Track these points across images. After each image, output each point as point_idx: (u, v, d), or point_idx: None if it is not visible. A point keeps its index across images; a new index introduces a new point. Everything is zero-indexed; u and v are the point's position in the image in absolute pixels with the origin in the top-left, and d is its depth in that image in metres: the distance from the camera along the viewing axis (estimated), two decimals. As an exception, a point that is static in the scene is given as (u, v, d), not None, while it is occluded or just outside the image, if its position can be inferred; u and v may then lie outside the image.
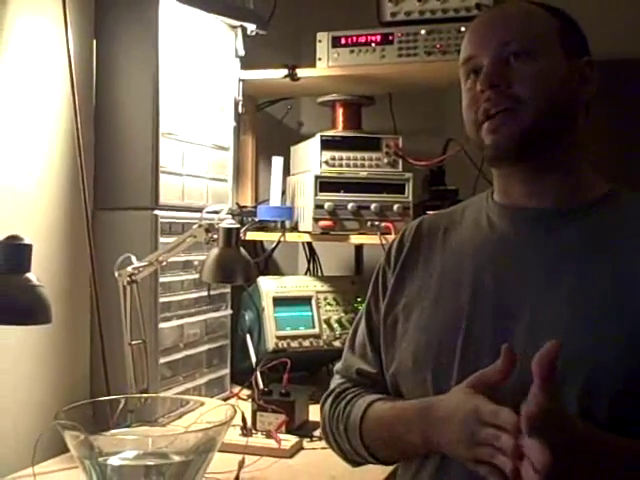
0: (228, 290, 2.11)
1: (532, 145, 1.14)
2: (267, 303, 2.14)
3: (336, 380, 1.36)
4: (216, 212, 1.73)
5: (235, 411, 1.27)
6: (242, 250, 1.64)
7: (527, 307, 1.11)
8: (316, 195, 2.09)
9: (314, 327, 2.16)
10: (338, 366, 1.38)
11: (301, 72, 2.19)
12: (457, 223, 1.28)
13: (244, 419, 1.68)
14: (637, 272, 1.09)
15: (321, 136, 2.15)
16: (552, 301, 1.10)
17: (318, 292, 2.22)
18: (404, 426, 1.14)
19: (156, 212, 1.79)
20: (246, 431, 1.68)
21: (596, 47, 1.25)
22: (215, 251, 1.61)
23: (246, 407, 1.76)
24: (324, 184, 2.10)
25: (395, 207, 2.10)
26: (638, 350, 1.04)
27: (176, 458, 1.19)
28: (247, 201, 2.44)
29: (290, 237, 2.20)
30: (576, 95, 1.18)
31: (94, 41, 1.81)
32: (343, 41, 2.16)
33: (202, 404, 1.40)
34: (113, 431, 1.30)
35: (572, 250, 1.14)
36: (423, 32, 2.07)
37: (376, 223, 2.09)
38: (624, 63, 2.47)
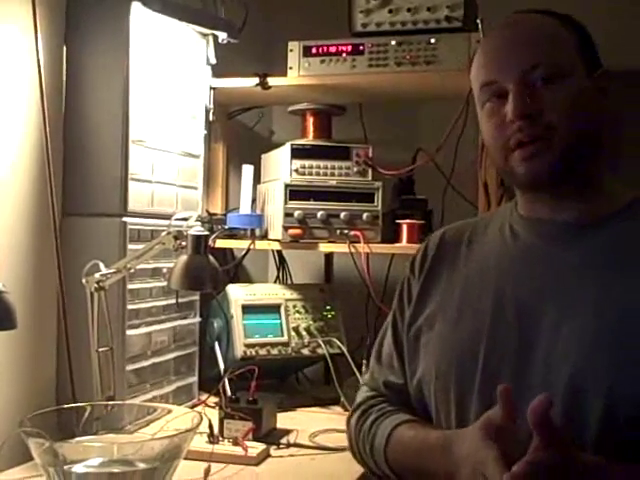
0: (197, 297, 2.10)
1: (565, 172, 1.13)
2: (236, 311, 2.13)
3: (363, 393, 1.36)
4: (185, 219, 1.73)
5: (201, 418, 1.27)
6: (211, 257, 1.64)
7: (548, 324, 1.11)
8: (286, 203, 2.10)
9: (283, 335, 2.16)
10: (365, 377, 1.39)
11: (272, 81, 2.20)
12: (481, 234, 1.28)
13: (211, 426, 1.68)
14: None
15: (291, 145, 2.16)
16: (573, 316, 1.10)
17: (287, 300, 2.22)
18: (428, 458, 1.14)
19: (125, 219, 1.79)
20: (213, 438, 1.67)
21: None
22: (183, 258, 1.61)
23: (213, 415, 1.76)
24: (294, 192, 2.11)
25: (364, 216, 2.11)
26: None
27: (141, 465, 1.19)
28: (217, 209, 2.44)
29: (260, 245, 2.20)
30: (600, 111, 1.16)
31: (64, 48, 1.81)
32: (314, 51, 2.17)
33: (169, 412, 1.40)
34: (78, 439, 1.29)
35: (595, 263, 1.13)
36: (393, 43, 2.09)
37: (345, 231, 2.11)
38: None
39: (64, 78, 1.81)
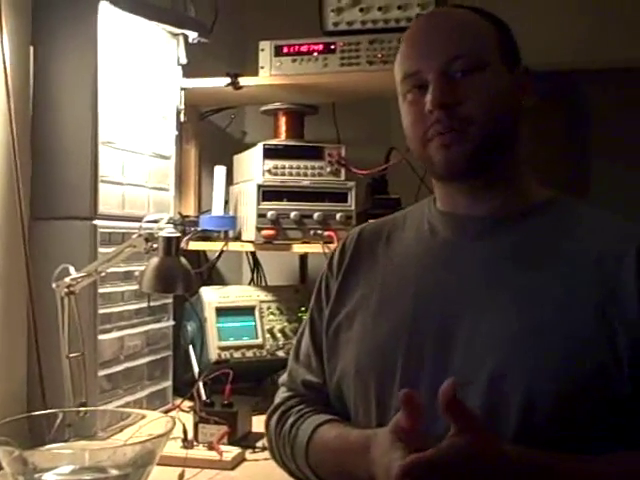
0: (170, 301, 2.08)
1: (482, 162, 1.13)
2: (209, 313, 2.11)
3: (281, 393, 1.34)
4: (156, 221, 1.71)
5: (174, 423, 1.25)
6: (182, 259, 1.62)
7: (468, 317, 1.11)
8: (259, 204, 2.08)
9: (257, 337, 2.14)
10: (283, 378, 1.37)
11: (244, 81, 2.18)
12: (399, 230, 1.28)
13: (185, 431, 1.66)
14: (576, 279, 1.09)
15: (264, 145, 2.14)
16: (491, 310, 1.11)
17: (261, 302, 2.20)
18: (348, 460, 1.12)
19: (95, 222, 1.76)
20: (187, 443, 1.65)
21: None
22: (155, 260, 1.59)
23: (188, 419, 1.73)
24: (267, 193, 2.10)
25: (338, 216, 2.10)
26: (575, 360, 1.04)
27: (113, 472, 1.17)
28: (190, 211, 2.41)
29: (233, 246, 2.18)
30: (518, 105, 1.17)
31: (31, 48, 1.78)
32: (285, 50, 2.16)
33: (143, 417, 1.38)
34: (49, 446, 1.27)
35: (513, 257, 1.14)
36: (365, 42, 2.08)
37: (319, 232, 2.09)
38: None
39: (31, 78, 1.78)
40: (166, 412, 1.93)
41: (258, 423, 1.85)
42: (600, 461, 1.01)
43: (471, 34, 1.16)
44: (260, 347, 2.13)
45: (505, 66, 1.16)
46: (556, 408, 1.04)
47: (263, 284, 2.51)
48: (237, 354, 2.10)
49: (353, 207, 2.13)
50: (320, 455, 1.19)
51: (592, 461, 1.01)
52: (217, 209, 2.19)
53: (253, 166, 2.17)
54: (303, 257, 2.58)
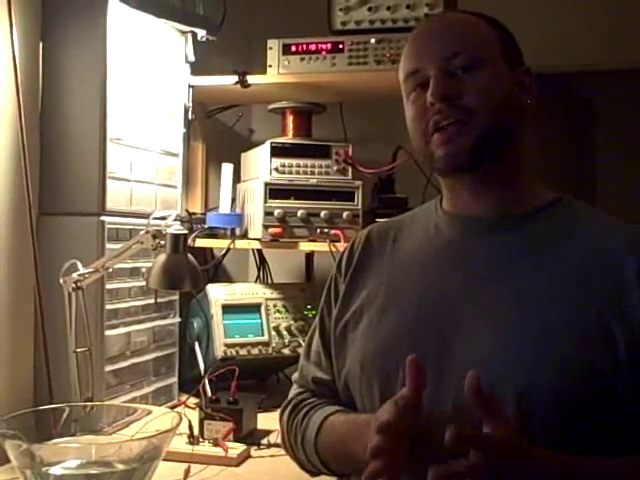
0: (176, 297, 2.09)
1: (483, 155, 1.14)
2: (216, 310, 2.12)
3: (294, 390, 1.36)
4: (164, 218, 1.72)
5: (181, 419, 1.26)
6: (190, 256, 1.63)
7: (469, 315, 1.12)
8: (266, 202, 2.09)
9: (263, 335, 2.15)
10: (295, 375, 1.39)
11: (251, 79, 2.19)
12: (406, 231, 1.29)
13: (191, 427, 1.66)
14: (577, 282, 1.10)
15: (271, 143, 2.14)
16: (491, 311, 1.11)
17: (267, 299, 2.21)
18: (356, 443, 1.13)
19: (103, 218, 1.77)
20: (193, 439, 1.66)
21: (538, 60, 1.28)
22: (162, 257, 1.60)
23: (194, 415, 1.74)
24: (274, 191, 2.10)
25: (345, 214, 2.11)
26: (573, 362, 1.05)
27: (119, 467, 1.17)
28: (197, 208, 2.42)
29: (240, 244, 2.19)
30: (519, 104, 1.19)
31: (40, 44, 1.79)
32: (294, 48, 2.16)
33: (149, 412, 1.38)
34: (55, 440, 1.27)
35: (516, 257, 1.15)
36: (373, 41, 2.09)
37: (326, 230, 2.09)
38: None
39: (40, 75, 1.78)
40: (172, 408, 1.93)
41: (263, 420, 1.86)
42: (623, 464, 1.02)
43: (470, 32, 1.18)
44: (266, 344, 2.14)
45: (506, 65, 1.17)
46: (552, 409, 1.04)
47: (269, 282, 2.52)
48: (243, 351, 2.11)
49: (360, 206, 2.13)
50: (328, 440, 1.21)
51: (616, 464, 1.02)
52: (224, 206, 2.20)
53: (260, 164, 2.17)
54: (309, 255, 2.59)
